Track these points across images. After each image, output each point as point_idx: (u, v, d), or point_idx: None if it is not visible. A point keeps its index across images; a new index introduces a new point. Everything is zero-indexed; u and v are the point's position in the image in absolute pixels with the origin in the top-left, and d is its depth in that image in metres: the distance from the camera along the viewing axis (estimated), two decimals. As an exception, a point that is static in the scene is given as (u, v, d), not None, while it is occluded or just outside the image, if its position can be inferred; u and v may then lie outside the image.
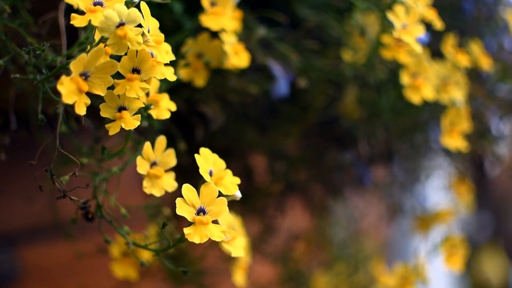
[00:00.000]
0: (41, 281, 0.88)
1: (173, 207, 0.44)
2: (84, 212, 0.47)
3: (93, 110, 0.43)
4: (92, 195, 0.48)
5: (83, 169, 0.48)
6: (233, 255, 0.48)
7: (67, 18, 0.48)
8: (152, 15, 0.44)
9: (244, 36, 0.59)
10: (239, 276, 0.60)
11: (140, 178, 0.47)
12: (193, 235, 0.43)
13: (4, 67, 0.48)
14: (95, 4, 0.42)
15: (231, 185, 0.46)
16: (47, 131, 0.49)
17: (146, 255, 0.54)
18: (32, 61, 0.44)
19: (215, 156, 0.47)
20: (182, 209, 0.43)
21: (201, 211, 0.44)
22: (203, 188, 0.44)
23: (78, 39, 0.47)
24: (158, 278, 0.71)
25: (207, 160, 0.46)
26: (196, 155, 0.45)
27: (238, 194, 0.46)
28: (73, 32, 0.48)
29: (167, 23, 0.60)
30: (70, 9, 0.47)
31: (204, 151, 0.46)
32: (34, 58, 0.45)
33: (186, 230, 0.43)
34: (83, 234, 0.55)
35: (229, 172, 0.47)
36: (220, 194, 0.45)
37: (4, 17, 0.48)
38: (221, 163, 0.47)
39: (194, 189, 0.44)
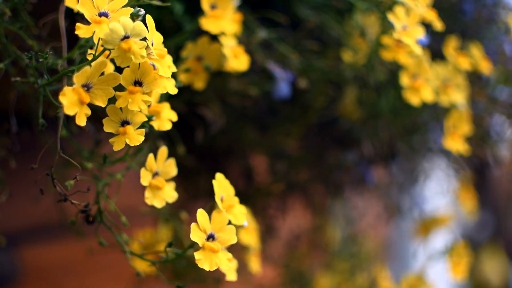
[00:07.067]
0: (41, 281, 0.88)
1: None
2: (85, 215, 0.48)
3: (94, 113, 0.43)
4: (94, 199, 0.48)
5: (84, 172, 0.48)
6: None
7: (68, 20, 0.48)
8: (152, 16, 0.44)
9: (245, 38, 0.59)
10: (254, 264, 0.62)
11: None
12: (203, 261, 0.44)
13: (4, 70, 0.48)
14: (100, 14, 0.42)
15: (240, 214, 0.48)
16: (49, 133, 0.49)
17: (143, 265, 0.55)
18: (33, 64, 0.44)
19: (227, 182, 0.49)
20: (196, 234, 0.44)
21: (210, 237, 0.45)
22: (215, 214, 0.46)
23: (79, 41, 0.47)
24: (162, 278, 0.71)
25: (221, 185, 0.48)
26: (213, 181, 0.47)
27: (245, 224, 0.48)
28: (73, 34, 0.48)
29: (167, 24, 0.60)
30: (71, 11, 0.47)
31: (219, 177, 0.48)
32: (35, 62, 0.44)
33: (196, 255, 0.44)
34: (90, 232, 0.56)
35: (237, 199, 0.48)
36: (229, 222, 0.46)
37: (5, 19, 0.48)
38: (231, 190, 0.48)
39: (207, 215, 0.45)
